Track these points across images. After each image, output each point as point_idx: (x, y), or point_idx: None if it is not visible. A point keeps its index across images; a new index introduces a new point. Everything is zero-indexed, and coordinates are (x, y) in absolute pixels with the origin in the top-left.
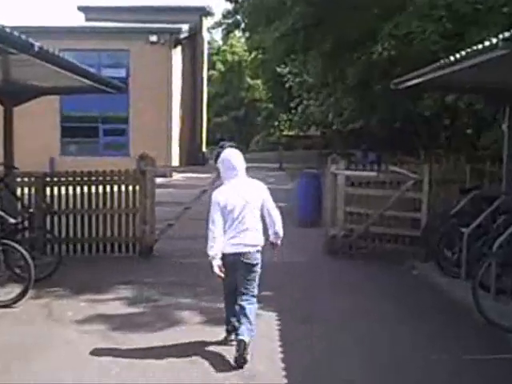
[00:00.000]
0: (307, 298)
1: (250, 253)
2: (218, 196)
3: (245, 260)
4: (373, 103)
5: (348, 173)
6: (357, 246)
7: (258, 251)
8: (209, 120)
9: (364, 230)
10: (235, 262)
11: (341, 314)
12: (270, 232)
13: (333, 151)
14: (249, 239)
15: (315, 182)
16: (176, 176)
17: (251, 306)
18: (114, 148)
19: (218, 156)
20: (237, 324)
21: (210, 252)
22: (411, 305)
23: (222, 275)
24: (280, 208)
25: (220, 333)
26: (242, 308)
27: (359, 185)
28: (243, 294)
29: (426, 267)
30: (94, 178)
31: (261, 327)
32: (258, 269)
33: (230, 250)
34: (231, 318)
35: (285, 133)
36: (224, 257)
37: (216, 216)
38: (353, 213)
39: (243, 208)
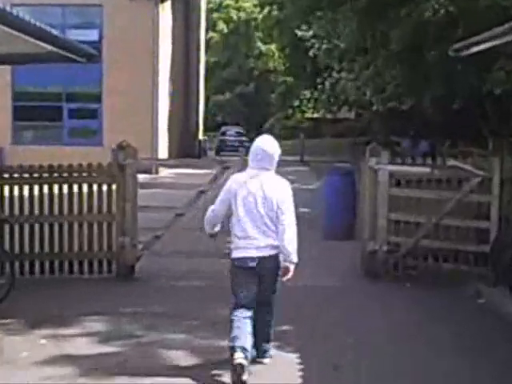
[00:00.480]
0: (338, 336)
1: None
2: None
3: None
4: (425, 76)
5: (392, 168)
6: (404, 266)
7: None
8: (207, 98)
9: (414, 244)
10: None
11: (382, 359)
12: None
13: (372, 139)
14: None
15: (348, 181)
16: (164, 172)
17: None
18: (82, 135)
19: (220, 146)
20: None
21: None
22: (478, 345)
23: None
24: (301, 215)
25: (223, 380)
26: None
27: (407, 184)
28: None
29: (495, 293)
30: (56, 175)
31: (279, 373)
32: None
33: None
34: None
35: (308, 115)
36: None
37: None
38: (399, 221)
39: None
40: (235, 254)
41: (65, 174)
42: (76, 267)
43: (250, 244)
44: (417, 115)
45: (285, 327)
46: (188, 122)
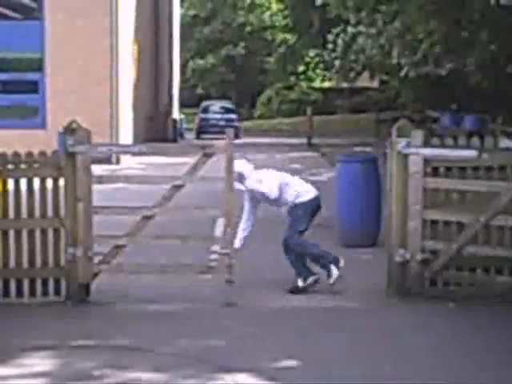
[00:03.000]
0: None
1: None
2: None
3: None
4: (469, 31)
5: (428, 152)
6: (445, 280)
7: None
8: (184, 64)
9: (456, 251)
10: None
11: None
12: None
13: (401, 115)
14: None
15: (370, 171)
16: (128, 162)
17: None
18: (18, 114)
19: (201, 126)
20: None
21: None
22: None
23: None
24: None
25: None
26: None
27: (447, 173)
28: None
29: None
30: None
31: None
32: None
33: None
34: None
35: (316, 84)
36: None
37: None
38: (437, 222)
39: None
40: (309, 196)
41: None
42: (12, 289)
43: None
44: (459, 83)
45: (288, 363)
46: (158, 96)
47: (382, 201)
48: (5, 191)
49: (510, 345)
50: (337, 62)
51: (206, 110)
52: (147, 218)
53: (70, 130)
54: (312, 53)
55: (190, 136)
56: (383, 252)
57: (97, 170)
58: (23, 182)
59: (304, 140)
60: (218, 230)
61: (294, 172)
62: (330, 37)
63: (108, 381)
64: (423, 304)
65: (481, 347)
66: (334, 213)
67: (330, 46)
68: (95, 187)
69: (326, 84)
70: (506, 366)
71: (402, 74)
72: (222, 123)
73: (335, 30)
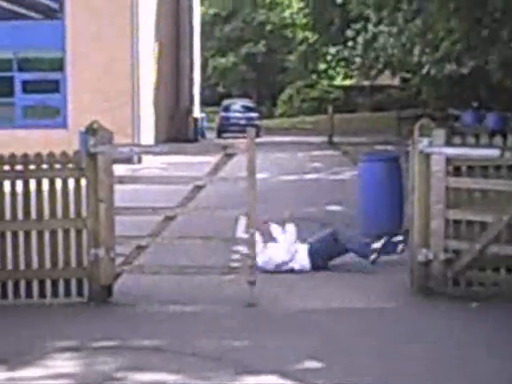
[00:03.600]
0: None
1: None
2: None
3: None
4: (492, 29)
5: (450, 151)
6: (468, 280)
7: None
8: (205, 62)
9: (480, 251)
10: None
11: None
12: None
13: (423, 113)
14: None
15: (392, 170)
16: (150, 162)
17: None
18: (40, 114)
19: (222, 125)
20: None
21: None
22: None
23: None
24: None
25: None
26: None
27: (470, 172)
28: None
29: None
30: (6, 168)
31: None
32: None
33: None
34: None
35: (337, 82)
36: None
37: None
38: (459, 221)
39: None
40: None
41: (18, 167)
42: (35, 289)
43: None
44: (481, 81)
45: (312, 364)
46: (179, 95)
47: (404, 199)
48: (26, 192)
49: None
50: (357, 60)
51: (227, 109)
52: (169, 218)
53: (91, 130)
54: (333, 50)
55: (211, 135)
56: (405, 251)
57: (119, 169)
58: (45, 183)
59: (325, 138)
60: (240, 230)
61: (315, 170)
62: (350, 32)
63: (130, 383)
64: (446, 303)
65: (503, 347)
66: (358, 211)
67: (351, 44)
68: (117, 187)
69: (347, 82)
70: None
71: (424, 72)
72: (242, 122)
73: (355, 27)
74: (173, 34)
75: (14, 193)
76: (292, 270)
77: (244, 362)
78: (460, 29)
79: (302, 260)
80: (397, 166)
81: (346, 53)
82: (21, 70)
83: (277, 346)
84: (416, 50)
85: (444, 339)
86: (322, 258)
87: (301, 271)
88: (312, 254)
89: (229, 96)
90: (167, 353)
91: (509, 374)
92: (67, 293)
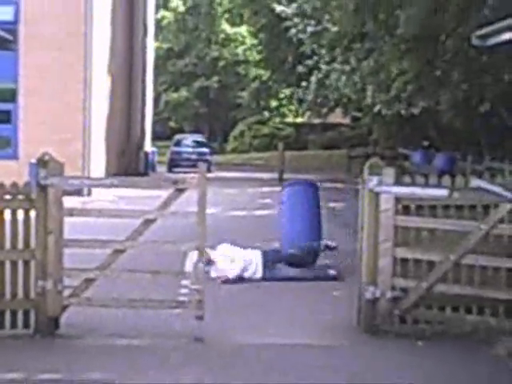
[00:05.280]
0: None
1: None
2: None
3: None
4: (442, 70)
5: (399, 190)
6: (414, 318)
7: None
8: (157, 97)
9: (426, 289)
10: None
11: None
12: None
13: (373, 152)
14: None
15: (309, 196)
16: (100, 194)
17: None
18: None
19: (173, 160)
20: None
21: None
22: None
23: None
24: None
25: None
26: None
27: (418, 211)
28: None
29: None
30: None
31: None
32: None
33: None
34: None
35: (289, 119)
36: None
37: None
38: (407, 259)
39: None
40: None
41: None
42: None
43: None
44: (431, 121)
45: None
46: (131, 129)
47: (321, 219)
48: None
49: (470, 377)
50: (309, 98)
51: (178, 144)
52: (119, 251)
53: (42, 161)
54: (287, 91)
55: (161, 169)
56: (353, 285)
57: (68, 201)
58: None
59: (276, 175)
60: (189, 264)
61: (265, 207)
62: (301, 68)
63: None
64: (392, 341)
65: (441, 381)
66: (281, 232)
67: (303, 83)
68: (66, 220)
69: (299, 119)
70: None
71: (375, 111)
72: (194, 157)
73: (308, 63)
74: (126, 67)
75: None
76: (243, 279)
77: None
78: (412, 69)
79: (255, 268)
80: (315, 189)
81: (300, 93)
82: None
83: (222, 381)
84: (368, 90)
85: (388, 376)
86: (272, 268)
87: (251, 279)
88: (265, 262)
89: (181, 131)
90: None
91: None
92: (13, 324)
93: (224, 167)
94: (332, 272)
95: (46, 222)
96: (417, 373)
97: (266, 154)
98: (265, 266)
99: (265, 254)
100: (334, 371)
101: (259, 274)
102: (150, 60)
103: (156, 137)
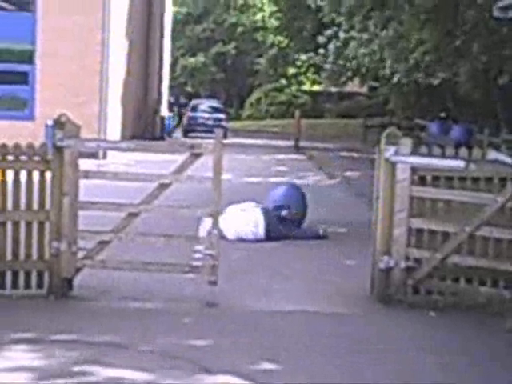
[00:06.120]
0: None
1: None
2: None
3: None
4: (462, 41)
5: (416, 161)
6: (427, 289)
7: None
8: (174, 62)
9: (441, 260)
10: None
11: None
12: None
13: (389, 122)
14: None
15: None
16: (115, 158)
17: None
18: (7, 105)
19: (189, 125)
20: None
21: None
22: None
23: None
24: None
25: None
26: None
27: (434, 182)
28: None
29: None
30: None
31: None
32: None
33: None
34: None
35: (306, 87)
36: None
37: None
38: (422, 230)
39: None
40: None
41: None
42: None
43: None
44: (449, 92)
45: (267, 365)
46: (148, 94)
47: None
48: None
49: (486, 354)
50: (327, 66)
51: (194, 109)
52: (133, 215)
53: (59, 123)
54: (304, 57)
55: (177, 135)
56: (366, 254)
57: (84, 164)
58: (9, 174)
59: (292, 142)
60: (203, 230)
61: (280, 174)
62: (321, 39)
63: (88, 379)
64: (405, 311)
65: (451, 351)
66: None
67: (322, 50)
68: (82, 182)
69: (316, 88)
70: (477, 375)
71: (393, 81)
72: (210, 122)
73: (327, 33)
74: (144, 31)
75: None
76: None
77: (201, 362)
78: (431, 39)
79: (259, 229)
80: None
81: (316, 59)
82: None
83: (234, 346)
84: (387, 60)
85: (400, 345)
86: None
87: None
88: (268, 223)
89: (196, 96)
90: (126, 349)
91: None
92: (27, 285)
93: (240, 133)
94: (321, 231)
95: (62, 184)
96: (429, 343)
97: (283, 122)
98: (268, 226)
99: (266, 216)
100: (346, 339)
101: (262, 234)
102: (168, 24)
103: (172, 102)
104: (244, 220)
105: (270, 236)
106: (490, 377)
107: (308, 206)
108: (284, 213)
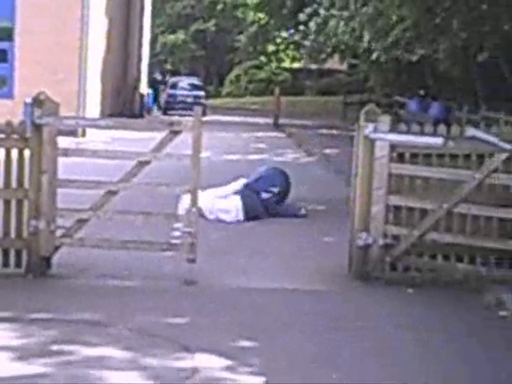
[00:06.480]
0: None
1: None
2: None
3: None
4: (442, 18)
5: (394, 138)
6: (405, 266)
7: None
8: (154, 38)
9: (418, 237)
10: None
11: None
12: None
13: (369, 99)
14: None
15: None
16: (94, 135)
17: None
18: None
19: (168, 102)
20: None
21: None
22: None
23: None
24: None
25: None
26: None
27: (413, 159)
28: None
29: None
30: None
31: None
32: None
33: None
34: None
35: (286, 64)
36: None
37: None
38: (400, 207)
39: None
40: None
41: None
42: None
43: None
44: (429, 69)
45: (246, 343)
46: (127, 71)
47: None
48: None
49: (463, 330)
50: (307, 43)
51: (174, 86)
52: (111, 192)
53: (38, 101)
54: (284, 34)
55: (157, 112)
56: (341, 234)
57: (62, 142)
58: None
59: (271, 120)
60: (182, 207)
61: (260, 151)
62: (302, 16)
63: (67, 357)
64: (383, 288)
65: (427, 328)
66: None
67: (301, 27)
68: (60, 160)
69: (296, 65)
70: (454, 351)
71: (373, 58)
72: (189, 100)
73: (307, 10)
74: (123, 8)
75: None
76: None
77: (180, 340)
78: (411, 16)
79: (239, 215)
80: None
81: (297, 37)
82: None
83: (213, 324)
84: (366, 36)
85: (377, 322)
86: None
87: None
88: (247, 211)
89: (176, 73)
90: (104, 327)
91: (437, 352)
92: (5, 263)
93: (219, 111)
94: (303, 210)
95: (40, 162)
96: (406, 319)
97: (262, 99)
98: (247, 213)
99: (246, 202)
100: (324, 316)
101: (241, 217)
102: (148, 1)
103: (152, 79)
104: (224, 207)
105: (249, 218)
106: (467, 353)
107: (290, 187)
108: (265, 195)
